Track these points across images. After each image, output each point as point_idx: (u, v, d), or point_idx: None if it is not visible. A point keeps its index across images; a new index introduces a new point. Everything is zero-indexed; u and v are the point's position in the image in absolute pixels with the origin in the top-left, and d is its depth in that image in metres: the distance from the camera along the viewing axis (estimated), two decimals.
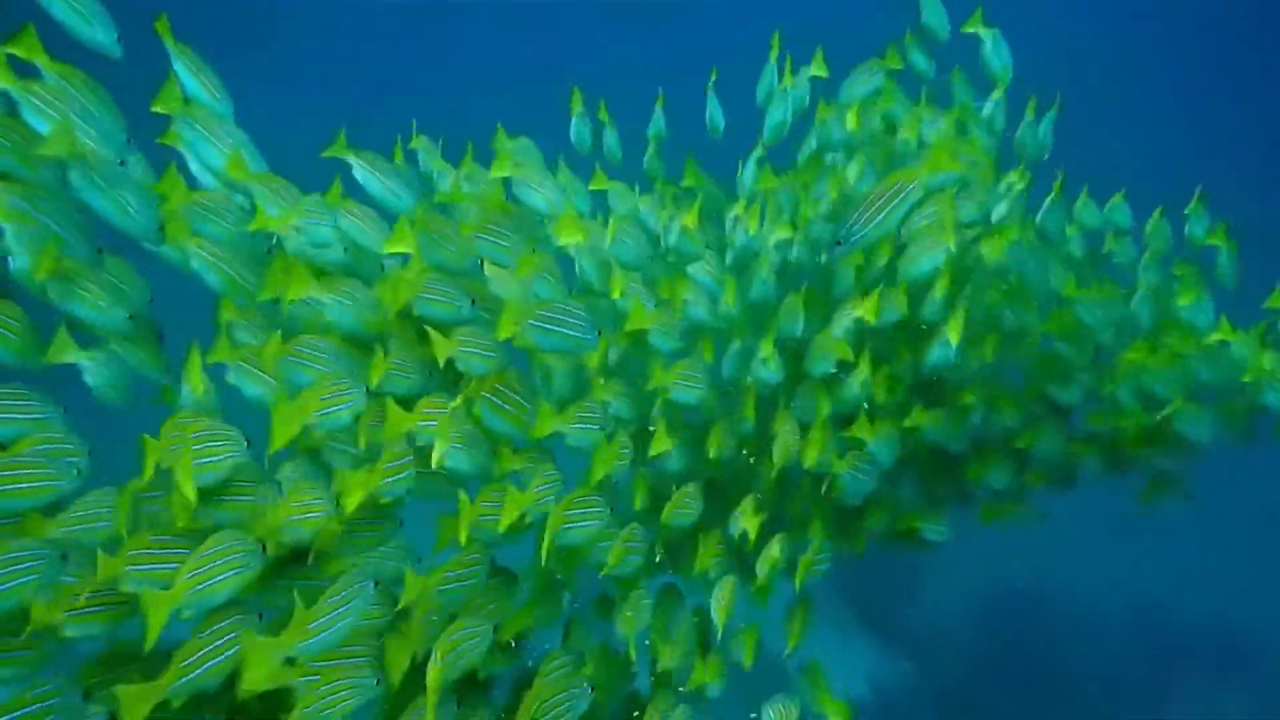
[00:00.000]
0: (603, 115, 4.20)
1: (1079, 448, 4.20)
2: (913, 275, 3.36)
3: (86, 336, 2.62)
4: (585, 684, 2.79)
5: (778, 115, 3.93)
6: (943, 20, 4.07)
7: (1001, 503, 4.34)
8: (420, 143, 3.56)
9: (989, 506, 4.35)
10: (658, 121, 4.19)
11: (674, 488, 3.27)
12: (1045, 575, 7.96)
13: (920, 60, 4.16)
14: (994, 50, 3.96)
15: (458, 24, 16.27)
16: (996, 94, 4.04)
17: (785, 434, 3.28)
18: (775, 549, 3.27)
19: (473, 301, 2.80)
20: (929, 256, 3.27)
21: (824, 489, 3.44)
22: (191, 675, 2.17)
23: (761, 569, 3.25)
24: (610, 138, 4.20)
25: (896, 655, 8.11)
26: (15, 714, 2.02)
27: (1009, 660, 8.14)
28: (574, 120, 4.09)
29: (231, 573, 2.24)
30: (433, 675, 2.43)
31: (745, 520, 3.24)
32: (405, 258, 2.79)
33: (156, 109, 2.72)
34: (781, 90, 3.92)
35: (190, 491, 2.24)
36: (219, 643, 2.21)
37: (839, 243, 3.12)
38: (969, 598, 8.55)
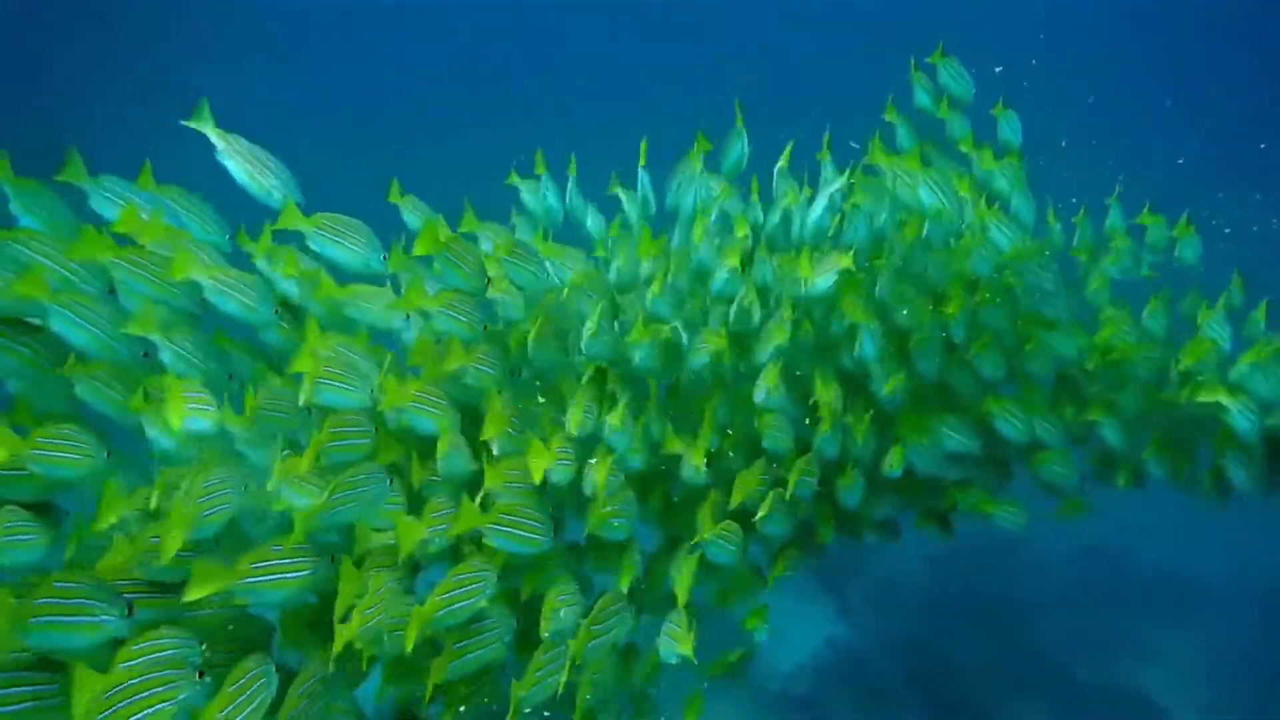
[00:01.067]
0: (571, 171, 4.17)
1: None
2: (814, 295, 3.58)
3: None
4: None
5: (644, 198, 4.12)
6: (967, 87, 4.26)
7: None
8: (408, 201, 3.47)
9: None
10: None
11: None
12: (998, 529, 8.25)
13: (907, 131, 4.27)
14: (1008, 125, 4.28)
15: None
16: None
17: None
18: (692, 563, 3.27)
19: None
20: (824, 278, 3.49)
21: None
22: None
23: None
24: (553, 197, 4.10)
25: (857, 613, 8.72)
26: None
27: (966, 611, 8.53)
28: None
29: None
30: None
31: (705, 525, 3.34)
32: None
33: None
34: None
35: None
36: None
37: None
38: (927, 555, 8.92)
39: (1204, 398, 3.86)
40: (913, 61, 4.24)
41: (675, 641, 3.07)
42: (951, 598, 8.78)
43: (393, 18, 18.92)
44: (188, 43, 17.06)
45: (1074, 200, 4.60)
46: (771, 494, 3.39)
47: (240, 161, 2.91)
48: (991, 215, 3.80)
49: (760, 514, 3.35)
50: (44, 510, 2.53)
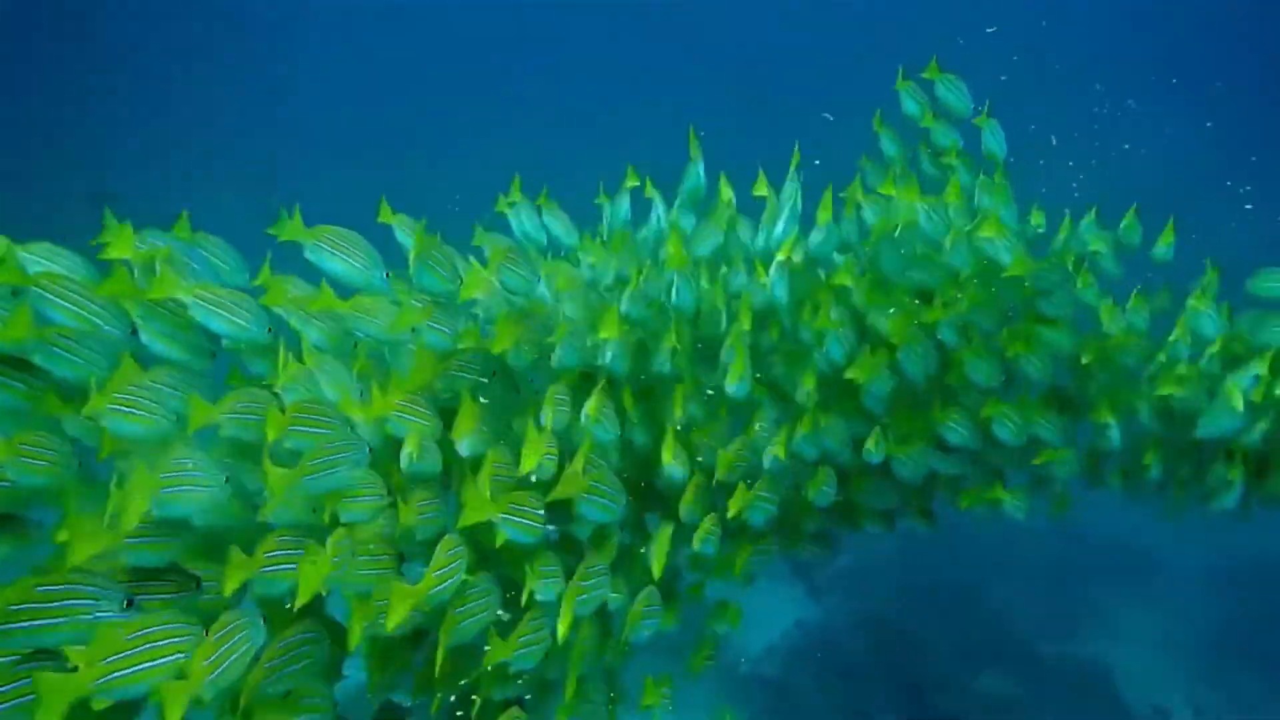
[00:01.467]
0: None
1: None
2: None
3: None
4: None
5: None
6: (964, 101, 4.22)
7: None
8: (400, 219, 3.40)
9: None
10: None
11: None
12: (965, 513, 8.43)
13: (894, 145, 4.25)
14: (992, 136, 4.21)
15: None
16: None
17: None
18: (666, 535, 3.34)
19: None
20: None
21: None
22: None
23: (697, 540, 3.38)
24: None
25: (826, 595, 8.87)
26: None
27: (933, 591, 8.71)
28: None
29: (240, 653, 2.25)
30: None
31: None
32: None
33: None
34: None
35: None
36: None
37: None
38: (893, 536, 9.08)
39: (1163, 390, 3.90)
40: (900, 70, 4.22)
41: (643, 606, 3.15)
42: (919, 578, 8.94)
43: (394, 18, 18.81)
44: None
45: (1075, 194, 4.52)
46: (708, 520, 3.40)
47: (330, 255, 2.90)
48: (992, 229, 3.74)
49: (697, 538, 3.38)
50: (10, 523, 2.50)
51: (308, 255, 2.91)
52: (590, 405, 3.14)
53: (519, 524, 2.80)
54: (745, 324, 3.47)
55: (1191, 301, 4.04)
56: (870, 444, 3.71)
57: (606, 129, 17.23)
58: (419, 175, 16.44)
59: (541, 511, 2.87)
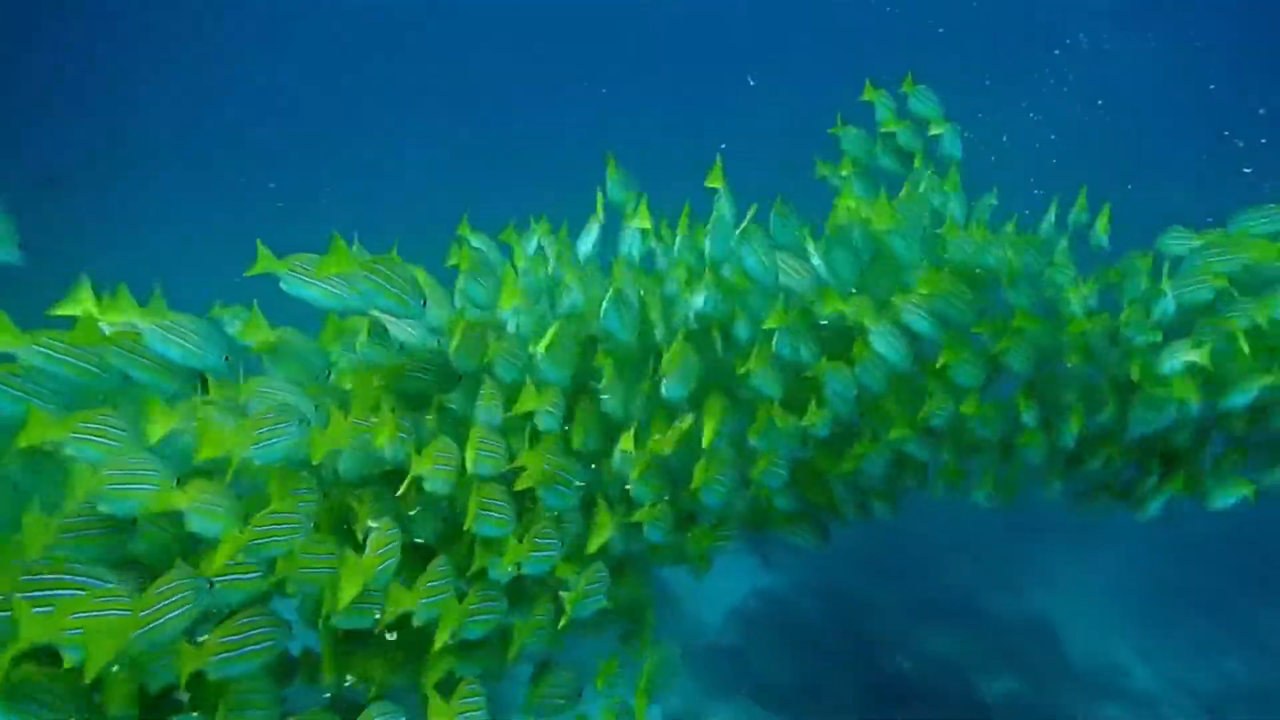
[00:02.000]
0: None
1: None
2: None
3: None
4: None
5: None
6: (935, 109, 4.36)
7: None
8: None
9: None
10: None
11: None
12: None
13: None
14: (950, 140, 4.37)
15: None
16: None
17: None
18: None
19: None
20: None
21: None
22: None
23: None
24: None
25: (779, 565, 9.05)
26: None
27: (884, 556, 8.89)
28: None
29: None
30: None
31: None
32: None
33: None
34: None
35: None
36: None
37: None
38: None
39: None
40: (868, 82, 4.30)
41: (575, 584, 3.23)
42: (869, 545, 9.15)
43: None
44: None
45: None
46: (657, 506, 3.48)
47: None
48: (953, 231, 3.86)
49: (644, 518, 3.45)
50: None
51: (283, 286, 2.90)
52: (526, 402, 3.21)
53: (493, 519, 2.99)
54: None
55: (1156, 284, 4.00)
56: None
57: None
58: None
59: (506, 503, 3.04)
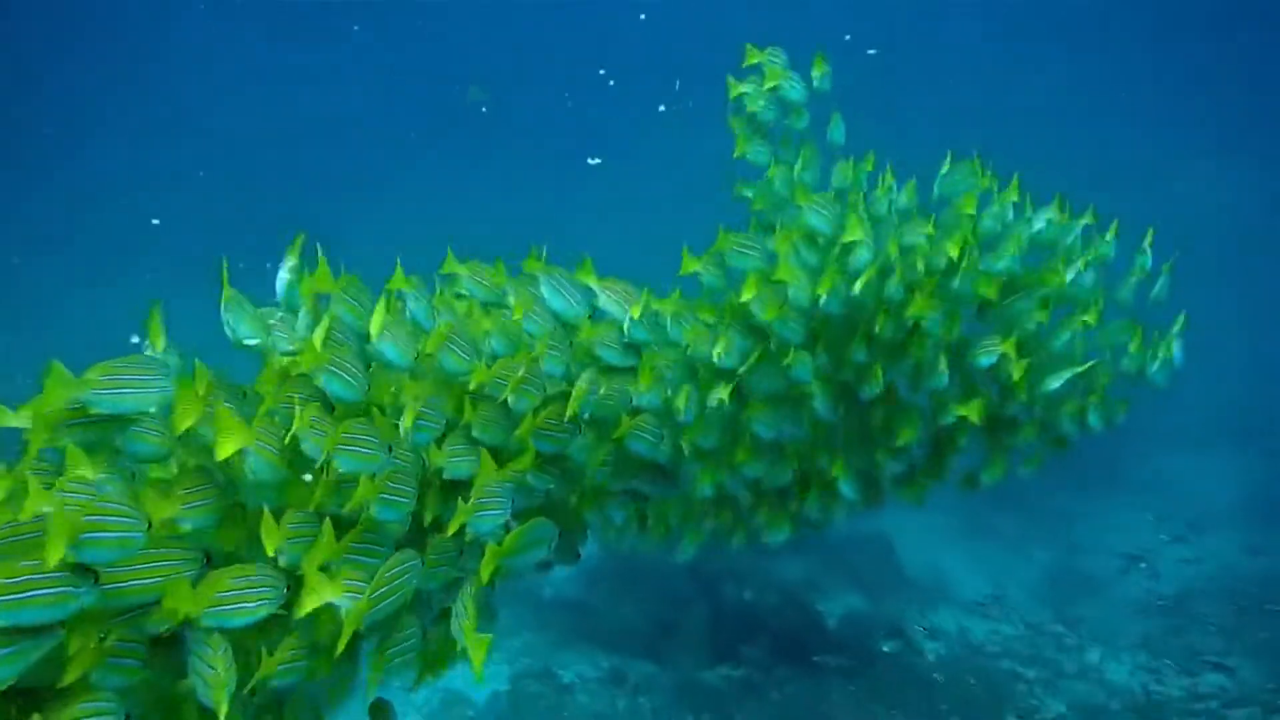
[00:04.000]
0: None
1: None
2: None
3: None
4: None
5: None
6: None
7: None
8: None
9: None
10: None
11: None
12: None
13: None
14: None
15: None
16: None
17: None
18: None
19: None
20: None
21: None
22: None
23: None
24: None
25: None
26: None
27: None
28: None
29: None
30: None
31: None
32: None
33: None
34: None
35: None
36: None
37: None
38: None
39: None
40: (730, 79, 4.46)
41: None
42: None
43: None
44: None
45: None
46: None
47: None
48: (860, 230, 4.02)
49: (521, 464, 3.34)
50: None
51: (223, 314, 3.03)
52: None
53: (393, 502, 2.93)
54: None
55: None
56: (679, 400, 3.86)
57: None
58: None
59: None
